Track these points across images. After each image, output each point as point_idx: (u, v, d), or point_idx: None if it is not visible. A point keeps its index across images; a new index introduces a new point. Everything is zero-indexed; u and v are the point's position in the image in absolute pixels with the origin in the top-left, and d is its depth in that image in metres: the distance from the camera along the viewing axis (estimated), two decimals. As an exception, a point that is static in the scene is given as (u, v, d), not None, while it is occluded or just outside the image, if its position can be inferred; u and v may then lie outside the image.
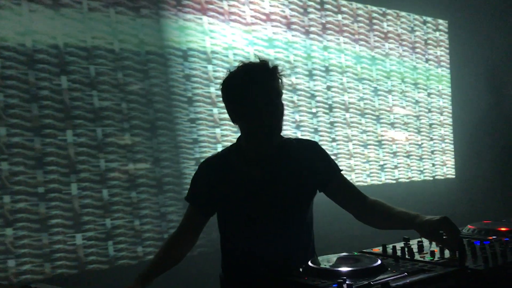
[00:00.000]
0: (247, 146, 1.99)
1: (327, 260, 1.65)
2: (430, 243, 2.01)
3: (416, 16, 5.50)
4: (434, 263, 1.61)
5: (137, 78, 3.35)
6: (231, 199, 1.98)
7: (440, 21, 5.76)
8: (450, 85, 5.73)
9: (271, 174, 1.95)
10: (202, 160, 2.13)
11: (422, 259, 1.68)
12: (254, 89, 1.87)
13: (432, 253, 1.72)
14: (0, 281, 2.25)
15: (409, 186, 5.08)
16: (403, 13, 5.35)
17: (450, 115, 5.73)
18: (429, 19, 5.64)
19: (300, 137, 2.11)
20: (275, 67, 1.91)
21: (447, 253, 1.75)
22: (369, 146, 4.86)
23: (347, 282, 1.38)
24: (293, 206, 1.98)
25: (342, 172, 2.09)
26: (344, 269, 1.51)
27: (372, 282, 1.40)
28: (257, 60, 1.92)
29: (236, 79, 1.91)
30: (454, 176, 5.66)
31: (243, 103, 1.89)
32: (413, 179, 5.17)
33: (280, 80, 1.91)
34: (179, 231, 2.09)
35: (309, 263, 1.62)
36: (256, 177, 1.95)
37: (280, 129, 1.96)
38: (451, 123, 5.72)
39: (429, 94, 5.55)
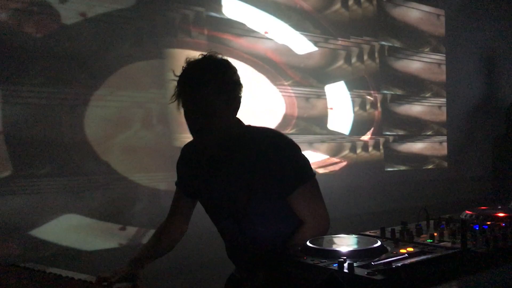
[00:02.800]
0: None
1: (326, 241, 1.63)
2: (428, 227, 2.01)
3: (413, 3, 5.47)
4: (434, 245, 1.59)
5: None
6: (197, 186, 1.97)
7: (437, 10, 5.74)
8: (445, 74, 5.72)
9: (216, 169, 1.89)
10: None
11: (421, 241, 1.66)
12: (180, 96, 1.76)
13: (432, 236, 1.71)
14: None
15: (403, 174, 5.09)
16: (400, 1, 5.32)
17: (444, 102, 5.73)
18: (426, 8, 5.61)
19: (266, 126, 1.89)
20: (199, 77, 1.74)
21: (446, 236, 1.73)
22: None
23: (347, 262, 1.36)
24: (236, 203, 1.87)
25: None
26: (344, 249, 1.49)
27: (373, 262, 1.38)
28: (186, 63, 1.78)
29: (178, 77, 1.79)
30: (446, 165, 5.67)
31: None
32: (406, 167, 5.18)
33: (193, 92, 1.74)
34: (168, 218, 2.08)
35: (308, 243, 1.60)
36: (212, 165, 1.91)
37: (205, 136, 1.80)
38: (445, 111, 5.72)
39: (424, 83, 5.54)
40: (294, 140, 1.87)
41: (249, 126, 1.92)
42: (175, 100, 1.76)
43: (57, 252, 2.83)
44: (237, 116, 1.89)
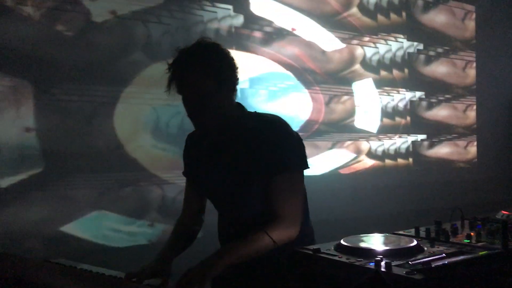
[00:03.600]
0: None
1: (360, 239, 1.60)
2: (463, 227, 1.96)
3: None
4: (473, 246, 1.55)
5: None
6: (199, 171, 1.97)
7: (468, 6, 5.62)
8: (476, 73, 5.60)
9: (216, 153, 1.88)
10: None
11: (458, 241, 1.62)
12: (170, 78, 1.77)
13: (469, 236, 1.66)
14: (21, 256, 2.25)
15: (432, 173, 5.00)
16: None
17: (475, 100, 5.61)
18: (455, 4, 5.49)
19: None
20: (190, 61, 1.73)
21: (484, 237, 1.69)
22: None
23: (385, 261, 1.33)
24: (233, 188, 1.85)
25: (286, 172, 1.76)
26: (379, 248, 1.46)
27: (410, 261, 1.35)
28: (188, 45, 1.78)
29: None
30: (476, 165, 5.55)
31: None
32: (435, 166, 5.09)
33: (185, 81, 1.74)
34: (183, 211, 2.09)
35: (342, 241, 1.57)
36: (206, 155, 1.92)
37: (201, 119, 1.78)
38: (474, 111, 5.60)
39: (453, 82, 5.43)
40: (306, 136, 1.88)
41: (250, 112, 1.89)
42: (168, 89, 1.76)
43: (87, 248, 2.86)
44: (242, 104, 1.89)
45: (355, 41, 4.61)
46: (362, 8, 4.63)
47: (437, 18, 5.27)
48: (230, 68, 1.79)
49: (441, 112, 5.25)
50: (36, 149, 2.78)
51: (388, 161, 4.76)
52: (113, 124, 3.13)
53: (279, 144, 1.76)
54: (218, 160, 1.87)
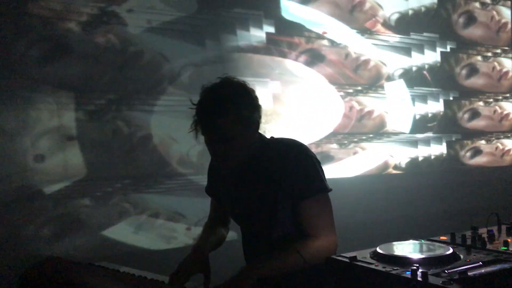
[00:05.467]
0: None
1: (396, 247, 1.62)
2: (499, 232, 1.95)
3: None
4: (509, 253, 1.55)
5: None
6: (222, 192, 2.04)
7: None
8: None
9: (239, 180, 1.93)
10: None
11: (495, 249, 1.63)
12: (197, 120, 1.79)
13: (506, 243, 1.66)
14: (63, 257, 2.35)
15: (467, 173, 4.92)
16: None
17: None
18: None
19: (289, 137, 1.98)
20: (218, 105, 1.73)
21: (522, 243, 1.68)
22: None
23: (420, 270, 1.35)
24: (259, 214, 1.90)
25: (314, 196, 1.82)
26: (415, 256, 1.48)
27: (446, 270, 1.37)
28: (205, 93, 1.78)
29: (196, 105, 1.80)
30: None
31: None
32: (471, 166, 5.00)
33: (215, 126, 1.74)
34: (210, 217, 2.16)
35: (378, 249, 1.60)
36: (231, 182, 1.96)
37: (226, 160, 1.81)
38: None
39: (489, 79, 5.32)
40: (316, 152, 1.91)
41: (270, 140, 1.94)
42: (193, 129, 1.78)
43: (127, 251, 2.95)
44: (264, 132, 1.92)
45: (386, 41, 4.58)
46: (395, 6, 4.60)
47: (471, 12, 5.18)
48: (256, 109, 1.81)
49: (477, 113, 5.15)
50: (79, 157, 2.88)
51: (421, 162, 4.71)
52: (150, 130, 3.21)
53: (303, 170, 1.82)
54: (243, 188, 1.93)
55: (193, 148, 3.22)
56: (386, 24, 4.56)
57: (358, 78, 4.36)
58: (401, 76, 4.63)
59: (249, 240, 2.03)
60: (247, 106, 1.77)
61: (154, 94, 3.17)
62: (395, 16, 4.61)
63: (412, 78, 4.70)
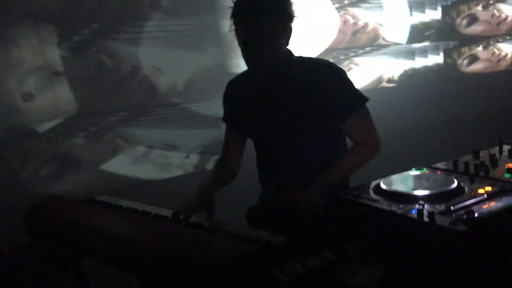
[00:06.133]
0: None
1: (400, 181, 1.61)
2: (501, 154, 1.94)
3: None
4: (513, 182, 1.55)
5: None
6: (244, 117, 2.05)
7: None
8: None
9: (270, 98, 1.96)
10: None
11: (499, 177, 1.62)
12: (236, 26, 1.82)
13: (509, 170, 1.66)
14: (62, 195, 2.36)
15: (465, 80, 4.83)
16: None
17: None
18: None
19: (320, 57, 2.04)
20: (260, 5, 1.76)
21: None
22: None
23: (426, 208, 1.35)
24: (295, 131, 1.95)
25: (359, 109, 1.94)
26: (420, 192, 1.48)
27: (452, 207, 1.37)
28: None
29: (233, 7, 1.83)
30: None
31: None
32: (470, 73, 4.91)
33: (261, 21, 1.76)
34: (223, 154, 2.16)
35: (381, 184, 1.59)
36: (258, 99, 1.98)
37: (261, 62, 1.84)
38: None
39: None
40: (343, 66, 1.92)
41: (300, 57, 1.98)
42: (234, 29, 1.81)
43: (126, 185, 2.96)
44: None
45: None
46: None
47: None
48: (292, 19, 1.85)
49: (475, 18, 4.96)
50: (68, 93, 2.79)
51: (416, 73, 4.61)
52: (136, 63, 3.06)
53: (346, 86, 1.93)
54: (277, 103, 1.93)
55: (179, 77, 3.13)
56: None
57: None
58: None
59: (271, 159, 2.05)
60: (284, 12, 1.81)
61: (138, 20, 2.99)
62: None
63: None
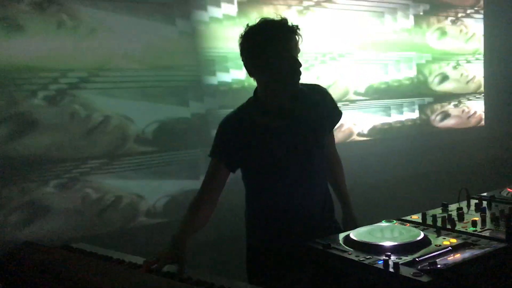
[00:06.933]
0: (266, 98, 2.02)
1: (369, 232, 1.65)
2: (468, 208, 2.01)
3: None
4: (478, 235, 1.60)
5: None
6: (253, 150, 2.04)
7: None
8: (483, 29, 5.49)
9: (290, 120, 2.03)
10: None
11: (464, 229, 1.68)
12: (277, 44, 1.90)
13: (474, 223, 1.72)
14: (37, 242, 2.33)
15: (438, 134, 5.00)
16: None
17: (482, 60, 5.52)
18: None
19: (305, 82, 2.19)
20: (296, 26, 1.95)
21: (488, 222, 1.74)
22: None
23: (392, 259, 1.39)
24: (313, 148, 2.06)
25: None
26: (387, 243, 1.52)
27: (417, 259, 1.41)
28: (277, 18, 1.95)
29: (258, 34, 1.93)
30: (483, 124, 5.53)
31: (265, 57, 1.92)
32: (441, 128, 5.08)
33: (298, 38, 1.95)
34: (204, 190, 2.10)
35: (351, 234, 1.63)
36: (276, 126, 2.03)
37: (299, 74, 2.00)
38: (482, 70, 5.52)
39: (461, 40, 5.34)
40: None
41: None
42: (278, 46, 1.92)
43: (98, 233, 2.95)
44: None
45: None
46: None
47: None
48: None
49: (448, 76, 5.19)
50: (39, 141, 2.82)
51: (394, 126, 4.75)
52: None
53: (333, 100, 2.19)
54: (299, 124, 2.04)
55: (148, 126, 3.22)
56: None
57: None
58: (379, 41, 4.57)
59: (285, 182, 2.06)
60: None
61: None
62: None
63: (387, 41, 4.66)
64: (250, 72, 2.02)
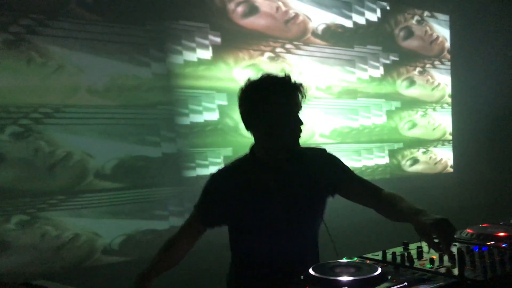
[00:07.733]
0: (263, 155, 1.97)
1: (328, 268, 1.67)
2: (429, 249, 2.05)
3: (418, 11, 5.48)
4: (434, 272, 1.64)
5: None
6: (245, 208, 1.97)
7: (442, 16, 5.74)
8: (451, 79, 5.73)
9: (285, 181, 1.96)
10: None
11: (421, 267, 1.71)
12: (278, 101, 1.86)
13: (432, 261, 1.75)
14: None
15: (406, 179, 5.10)
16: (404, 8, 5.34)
17: (450, 108, 5.72)
18: (430, 13, 5.61)
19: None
20: (300, 83, 1.91)
21: (446, 260, 1.77)
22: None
23: (349, 293, 1.40)
24: (306, 213, 2.00)
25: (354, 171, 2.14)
26: (345, 278, 1.54)
27: (373, 293, 1.43)
28: (281, 74, 1.91)
29: (259, 88, 1.89)
30: (452, 171, 5.68)
31: (264, 113, 1.87)
32: (411, 172, 5.20)
33: (301, 96, 1.90)
34: (179, 234, 2.07)
35: (311, 270, 1.64)
36: (271, 185, 1.95)
37: (300, 131, 1.96)
38: (450, 117, 5.71)
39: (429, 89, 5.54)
40: None
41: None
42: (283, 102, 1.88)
43: (59, 268, 2.92)
44: None
45: (332, 54, 4.68)
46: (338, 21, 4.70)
47: (411, 25, 5.38)
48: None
49: (416, 123, 5.35)
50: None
51: (364, 169, 4.84)
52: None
53: (338, 160, 2.11)
54: (288, 186, 1.96)
55: (108, 162, 3.24)
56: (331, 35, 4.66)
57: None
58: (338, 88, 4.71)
59: (274, 241, 1.98)
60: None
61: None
62: (338, 29, 4.72)
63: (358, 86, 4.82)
64: (247, 126, 1.95)
